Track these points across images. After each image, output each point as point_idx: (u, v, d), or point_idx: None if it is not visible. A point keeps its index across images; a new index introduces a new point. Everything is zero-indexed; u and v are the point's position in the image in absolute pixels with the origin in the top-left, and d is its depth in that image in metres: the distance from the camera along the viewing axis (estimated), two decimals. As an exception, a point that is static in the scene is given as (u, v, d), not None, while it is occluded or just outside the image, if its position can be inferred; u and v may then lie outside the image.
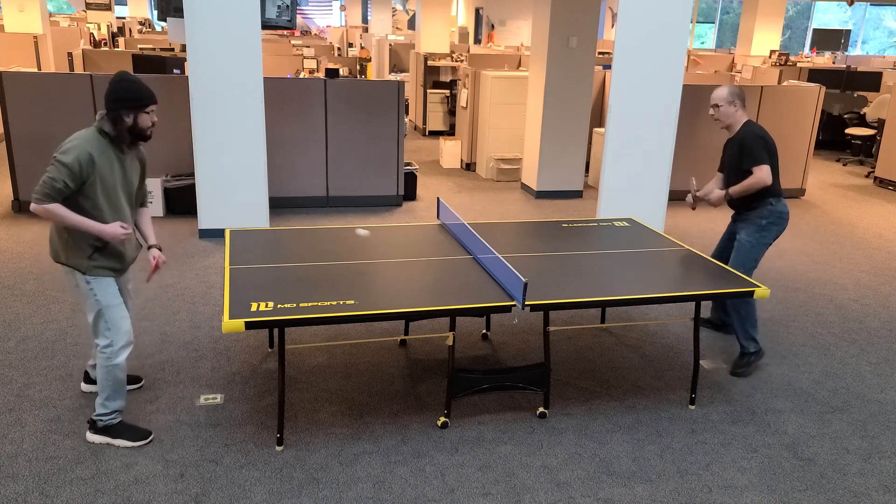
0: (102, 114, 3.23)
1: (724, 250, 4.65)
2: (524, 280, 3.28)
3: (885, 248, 7.00)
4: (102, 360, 3.31)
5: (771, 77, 12.28)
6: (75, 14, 20.97)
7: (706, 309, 5.29)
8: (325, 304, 3.26)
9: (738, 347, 4.47)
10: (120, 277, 3.46)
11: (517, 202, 8.17)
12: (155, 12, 24.98)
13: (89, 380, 3.80)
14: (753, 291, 3.68)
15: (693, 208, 4.66)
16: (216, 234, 6.44)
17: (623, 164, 6.20)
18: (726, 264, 4.46)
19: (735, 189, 4.30)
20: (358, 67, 13.33)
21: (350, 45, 18.43)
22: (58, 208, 3.10)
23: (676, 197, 8.47)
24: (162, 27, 22.04)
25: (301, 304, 3.24)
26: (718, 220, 7.72)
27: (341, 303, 3.28)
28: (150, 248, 3.52)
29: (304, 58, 11.87)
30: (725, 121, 4.37)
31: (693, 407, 3.95)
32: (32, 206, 3.10)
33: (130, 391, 3.82)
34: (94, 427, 3.40)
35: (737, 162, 4.32)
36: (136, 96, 3.21)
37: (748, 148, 4.23)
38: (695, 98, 8.23)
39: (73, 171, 3.08)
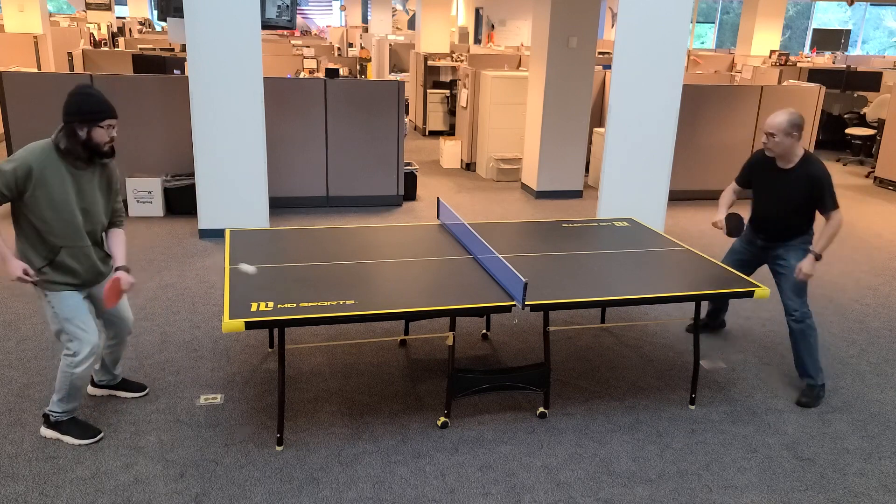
0: (60, 126, 3.14)
1: (744, 271, 4.37)
2: (524, 280, 3.28)
3: (885, 248, 7.00)
4: (64, 365, 3.28)
5: (771, 77, 12.28)
6: (75, 14, 20.98)
7: (706, 310, 5.29)
8: (325, 304, 3.26)
9: (800, 375, 4.18)
10: (86, 290, 3.36)
11: (517, 202, 8.18)
12: (155, 12, 24.99)
13: (93, 383, 3.81)
14: (753, 292, 3.68)
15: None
16: (216, 234, 6.44)
17: (623, 164, 6.20)
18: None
19: (824, 245, 3.95)
20: (358, 67, 13.33)
21: (350, 45, 18.43)
22: None
23: (676, 197, 8.47)
24: (162, 27, 22.05)
25: (301, 304, 3.24)
26: (718, 220, 7.71)
27: (341, 303, 3.28)
28: (116, 269, 3.34)
29: (304, 58, 11.87)
30: (778, 152, 3.99)
31: (693, 407, 3.95)
32: None
33: (135, 400, 3.81)
34: (47, 421, 3.41)
35: (800, 199, 3.99)
36: (91, 110, 3.09)
37: (827, 191, 3.91)
38: (695, 98, 8.24)
39: (7, 180, 3.02)
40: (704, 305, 5.30)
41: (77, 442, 3.38)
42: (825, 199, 3.93)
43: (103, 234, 3.41)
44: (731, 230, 4.23)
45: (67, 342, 3.27)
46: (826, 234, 3.95)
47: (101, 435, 3.44)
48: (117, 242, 3.42)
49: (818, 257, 3.96)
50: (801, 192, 3.98)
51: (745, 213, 4.43)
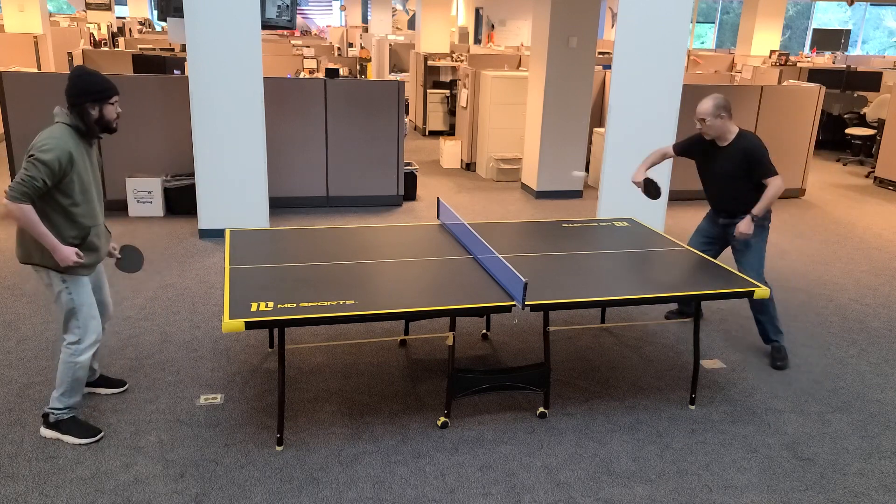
0: (64, 110, 3.20)
1: (705, 252, 4.65)
2: (524, 280, 3.28)
3: (885, 248, 7.00)
4: (66, 356, 3.33)
5: (771, 77, 12.28)
6: (75, 14, 20.98)
7: (707, 309, 5.28)
8: (325, 304, 3.26)
9: (768, 344, 4.60)
10: (92, 273, 3.45)
11: (517, 202, 8.17)
12: (155, 12, 24.99)
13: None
14: (753, 291, 3.68)
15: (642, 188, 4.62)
16: (216, 234, 6.44)
17: (623, 165, 6.20)
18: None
19: (761, 207, 4.26)
20: (358, 67, 13.33)
21: (350, 45, 18.43)
22: (31, 211, 3.07)
23: (676, 197, 8.47)
24: (162, 27, 22.05)
25: (301, 304, 3.24)
26: (718, 220, 7.72)
27: (341, 303, 3.28)
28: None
29: (304, 58, 11.87)
30: (714, 133, 4.39)
31: (693, 407, 3.95)
32: (7, 203, 3.05)
33: (135, 400, 3.82)
34: (47, 421, 3.42)
35: (739, 172, 4.32)
36: (99, 88, 3.20)
37: (760, 161, 4.24)
38: (695, 98, 8.22)
39: (52, 169, 3.05)
40: (712, 311, 5.29)
41: (77, 442, 3.38)
42: (760, 168, 4.25)
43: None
44: (649, 191, 4.60)
45: (75, 328, 3.32)
46: (765, 197, 4.25)
47: (101, 435, 3.44)
48: None
49: (754, 218, 4.28)
50: (737, 165, 4.31)
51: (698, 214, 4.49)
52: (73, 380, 3.36)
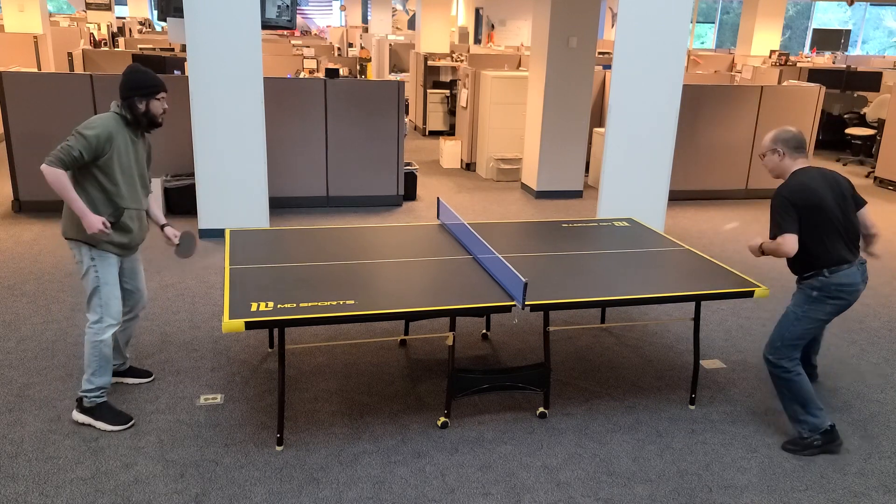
0: (118, 103, 3.45)
1: None
2: (524, 280, 3.28)
3: (885, 248, 7.00)
4: (90, 336, 3.46)
5: (771, 77, 12.28)
6: (75, 14, 20.98)
7: (707, 309, 5.28)
8: (325, 304, 3.26)
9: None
10: (126, 257, 3.61)
11: (517, 202, 8.17)
12: (155, 12, 24.98)
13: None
14: (753, 292, 3.68)
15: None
16: (216, 234, 6.44)
17: (623, 164, 6.20)
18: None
19: (765, 246, 3.56)
20: (358, 67, 13.33)
21: (350, 45, 18.43)
22: (63, 176, 3.26)
23: (676, 197, 8.47)
24: (162, 27, 22.05)
25: (301, 304, 3.24)
26: (717, 221, 7.71)
27: (341, 303, 3.28)
28: (163, 227, 3.76)
29: (304, 58, 11.87)
30: (773, 171, 3.62)
31: (693, 407, 3.95)
32: (43, 167, 3.25)
33: (135, 400, 3.83)
34: (81, 405, 3.51)
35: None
36: (147, 84, 3.43)
37: (773, 211, 3.49)
38: (695, 98, 8.23)
39: (90, 143, 3.27)
40: (712, 311, 5.30)
41: (110, 428, 3.47)
42: (771, 220, 3.51)
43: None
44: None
45: (97, 307, 3.45)
46: (767, 248, 3.55)
47: (133, 422, 3.53)
48: (153, 204, 3.81)
49: (760, 249, 3.58)
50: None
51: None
52: (100, 358, 3.47)
